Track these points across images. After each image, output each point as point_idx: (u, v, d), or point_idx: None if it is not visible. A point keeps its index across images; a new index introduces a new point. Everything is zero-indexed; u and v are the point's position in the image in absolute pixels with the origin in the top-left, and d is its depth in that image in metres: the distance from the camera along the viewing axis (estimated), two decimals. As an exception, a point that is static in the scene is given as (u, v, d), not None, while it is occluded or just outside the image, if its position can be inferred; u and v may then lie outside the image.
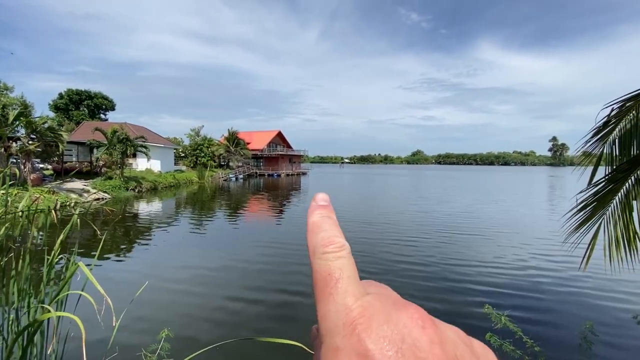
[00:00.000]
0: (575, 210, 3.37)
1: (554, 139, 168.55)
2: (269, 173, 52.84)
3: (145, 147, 25.78)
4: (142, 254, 8.94)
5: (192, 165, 44.37)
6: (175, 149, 43.18)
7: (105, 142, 23.56)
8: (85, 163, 27.65)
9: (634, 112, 3.50)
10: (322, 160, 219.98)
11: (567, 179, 47.87)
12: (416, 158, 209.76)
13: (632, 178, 2.88)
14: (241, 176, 46.42)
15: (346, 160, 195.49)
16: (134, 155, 29.51)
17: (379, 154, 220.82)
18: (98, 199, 19.69)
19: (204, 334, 4.64)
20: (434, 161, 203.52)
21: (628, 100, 3.51)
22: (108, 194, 20.84)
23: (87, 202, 18.04)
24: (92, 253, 8.05)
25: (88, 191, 19.50)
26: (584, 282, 6.76)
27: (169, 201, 21.39)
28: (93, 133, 23.86)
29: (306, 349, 1.67)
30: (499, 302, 5.54)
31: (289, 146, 62.67)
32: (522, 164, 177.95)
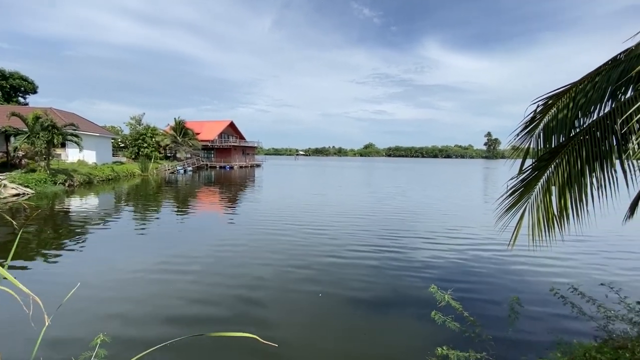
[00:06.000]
0: (505, 195, 3.72)
1: (489, 134, 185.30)
2: (220, 165, 50.79)
3: (76, 135, 23.06)
4: (73, 255, 8.05)
5: (133, 156, 40.90)
6: (113, 138, 39.36)
7: (26, 129, 20.61)
8: (0, 153, 24.00)
9: (554, 108, 3.94)
10: (277, 152, 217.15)
11: (500, 170, 53.18)
12: (368, 151, 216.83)
13: (552, 166, 3.25)
14: (190, 168, 43.98)
15: (301, 153, 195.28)
16: (63, 145, 26.29)
17: (333, 147, 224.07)
18: (18, 194, 17.25)
19: (146, 336, 4.34)
20: (384, 154, 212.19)
21: (550, 98, 3.94)
22: (31, 188, 18.36)
23: (3, 197, 15.74)
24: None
25: (4, 185, 16.97)
26: (513, 261, 7.63)
27: (107, 196, 19.52)
28: (9, 119, 20.70)
29: (260, 339, 1.61)
30: (443, 284, 5.98)
31: (241, 137, 60.74)
32: (462, 156, 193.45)
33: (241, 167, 53.38)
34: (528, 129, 4.08)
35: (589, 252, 8.43)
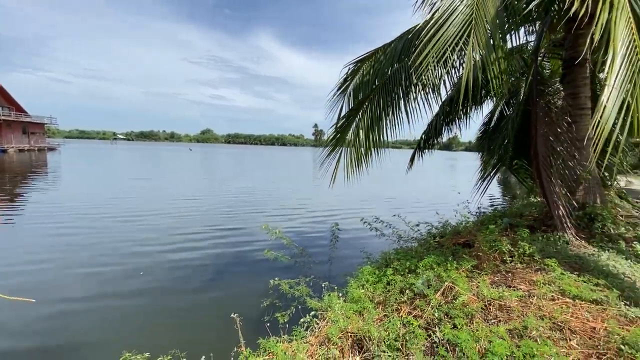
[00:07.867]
0: (327, 145, 4.14)
1: (316, 125, 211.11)
2: (-19, 147, 35.41)
3: None
4: None
5: None
6: None
7: None
8: None
9: (360, 73, 4.66)
10: (85, 134, 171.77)
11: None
12: (206, 137, 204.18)
13: (360, 114, 3.82)
14: None
15: (120, 136, 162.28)
16: None
17: (164, 131, 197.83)
18: None
19: None
20: (224, 141, 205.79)
21: (358, 62, 4.61)
22: None
23: None
24: None
25: None
26: (335, 213, 9.57)
27: None
28: None
29: (8, 297, 1.10)
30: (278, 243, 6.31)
31: (20, 110, 44.12)
32: (295, 145, 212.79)
33: (22, 150, 39.15)
34: (342, 89, 4.68)
35: (384, 194, 12.02)
